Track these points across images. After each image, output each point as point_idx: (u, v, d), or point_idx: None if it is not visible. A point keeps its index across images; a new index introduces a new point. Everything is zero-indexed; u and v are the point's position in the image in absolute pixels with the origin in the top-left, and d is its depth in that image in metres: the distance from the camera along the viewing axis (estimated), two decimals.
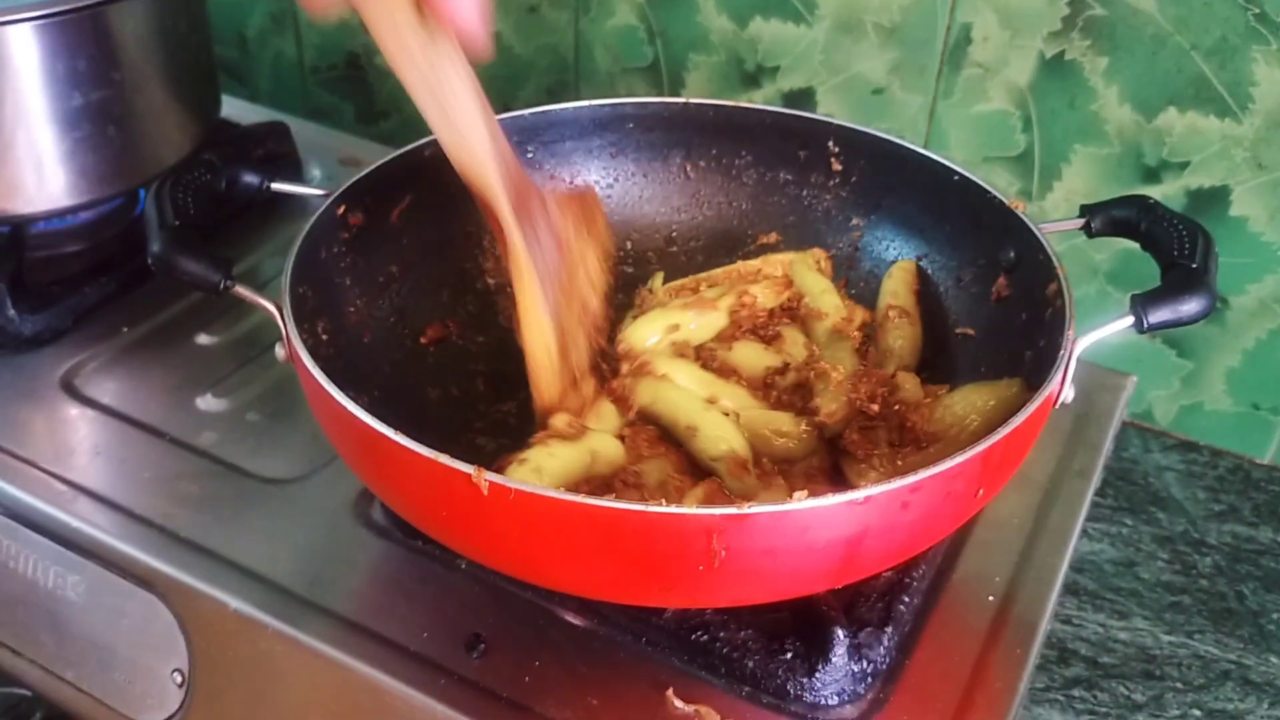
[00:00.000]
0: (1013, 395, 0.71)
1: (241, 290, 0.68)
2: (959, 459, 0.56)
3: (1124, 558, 0.95)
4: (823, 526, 0.55)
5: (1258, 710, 0.84)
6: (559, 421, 0.70)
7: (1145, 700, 0.85)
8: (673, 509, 0.53)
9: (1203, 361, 1.02)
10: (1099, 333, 0.66)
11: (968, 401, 0.72)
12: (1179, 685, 0.86)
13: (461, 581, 0.72)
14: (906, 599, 0.70)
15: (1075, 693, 0.85)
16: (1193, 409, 1.04)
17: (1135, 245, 0.75)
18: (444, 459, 0.56)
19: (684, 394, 0.74)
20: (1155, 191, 0.97)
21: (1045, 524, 0.79)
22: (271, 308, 0.67)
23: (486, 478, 0.55)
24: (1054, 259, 0.72)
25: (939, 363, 0.81)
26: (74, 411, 0.86)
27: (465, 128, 0.68)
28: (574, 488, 0.65)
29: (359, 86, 1.34)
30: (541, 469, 0.65)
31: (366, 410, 0.59)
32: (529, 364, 0.73)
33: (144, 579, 0.74)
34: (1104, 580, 0.93)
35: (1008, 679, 0.68)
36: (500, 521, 0.56)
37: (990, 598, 0.73)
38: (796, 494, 0.54)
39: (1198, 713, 0.84)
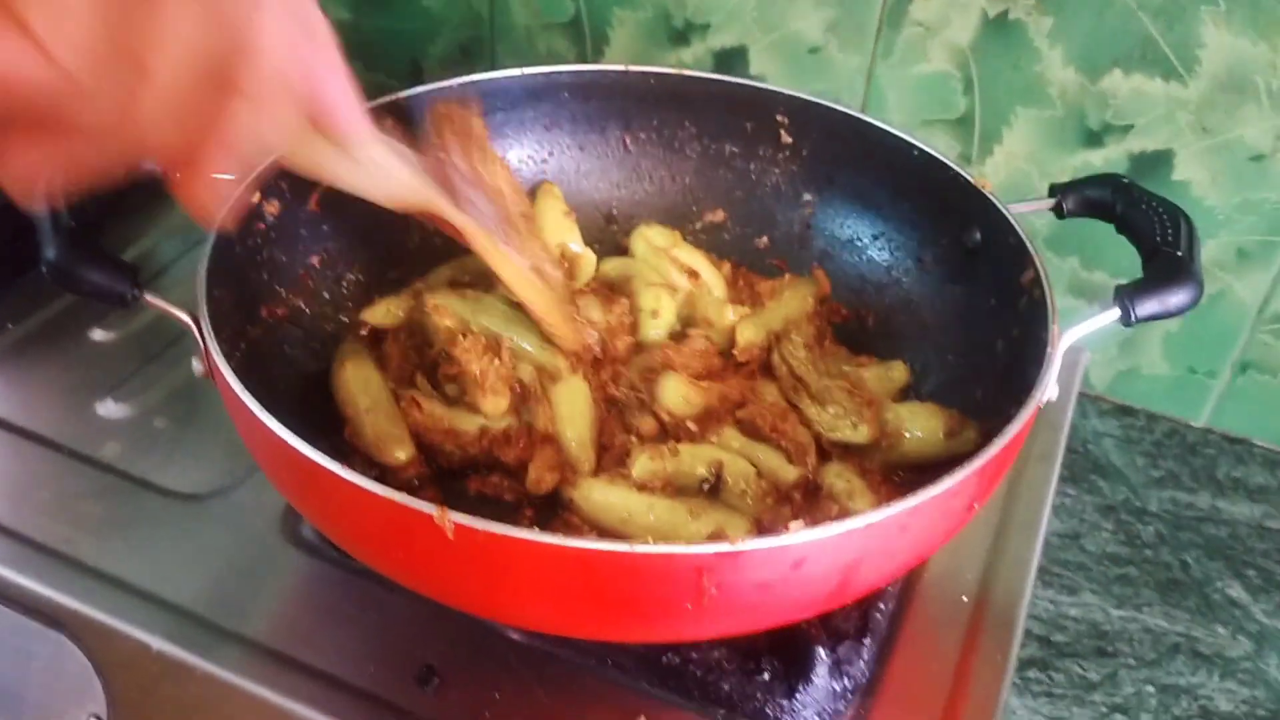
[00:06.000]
0: (967, 439, 0.69)
1: (153, 300, 0.60)
2: (958, 477, 0.53)
3: (1069, 530, 0.94)
4: (819, 557, 0.51)
5: (1209, 683, 0.84)
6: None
7: (1100, 679, 0.84)
8: (660, 548, 0.49)
9: (1141, 326, 1.00)
10: (1082, 328, 0.63)
11: (915, 422, 0.71)
12: (1131, 661, 0.85)
13: (407, 604, 0.67)
14: (883, 605, 0.67)
15: (1031, 674, 0.84)
16: (1129, 373, 1.03)
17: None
18: (402, 498, 0.50)
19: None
20: (1097, 155, 0.95)
21: (1013, 513, 0.77)
22: (188, 319, 0.60)
23: (451, 519, 0.49)
24: (1027, 243, 0.69)
25: (904, 352, 0.78)
26: None
27: (406, 193, 0.66)
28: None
29: None
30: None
31: (285, 422, 0.53)
32: (540, 320, 0.74)
33: (49, 616, 0.67)
34: (1051, 554, 0.92)
35: (989, 683, 0.66)
36: (466, 564, 0.51)
37: (964, 597, 0.71)
38: (793, 525, 0.50)
39: (1151, 689, 0.83)
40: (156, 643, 0.64)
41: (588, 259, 0.83)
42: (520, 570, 0.51)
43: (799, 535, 0.50)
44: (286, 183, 0.74)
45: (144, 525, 0.72)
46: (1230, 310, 0.97)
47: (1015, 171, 0.98)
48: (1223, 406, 1.01)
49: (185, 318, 0.60)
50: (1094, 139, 0.95)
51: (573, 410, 0.71)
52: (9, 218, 0.88)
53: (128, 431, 0.78)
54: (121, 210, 0.94)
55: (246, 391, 0.56)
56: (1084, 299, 1.01)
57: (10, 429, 0.77)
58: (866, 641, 0.65)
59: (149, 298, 0.61)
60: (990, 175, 1.00)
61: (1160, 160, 0.93)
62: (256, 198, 0.71)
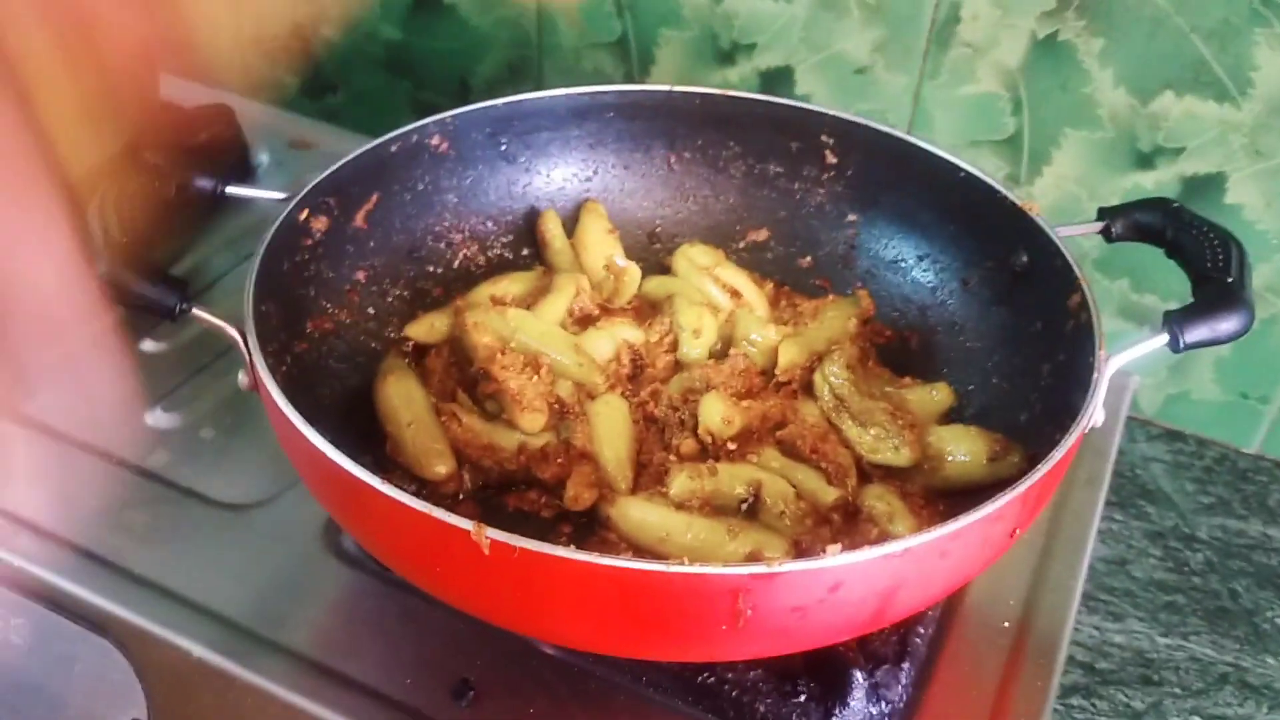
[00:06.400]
0: (1011, 464, 0.68)
1: (201, 313, 0.61)
2: (1000, 502, 0.52)
3: (1116, 555, 0.92)
4: (857, 581, 0.51)
5: (1257, 715, 0.82)
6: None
7: (1145, 708, 0.82)
8: (696, 569, 0.48)
9: (1192, 351, 0.99)
10: (1130, 353, 0.62)
11: (958, 445, 0.70)
12: (1178, 690, 0.83)
13: (445, 618, 0.67)
14: (922, 630, 0.66)
15: (1074, 701, 0.82)
16: (1179, 398, 1.02)
17: None
18: (439, 513, 0.50)
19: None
20: (1148, 178, 0.94)
21: (1057, 539, 0.75)
22: (235, 333, 0.61)
23: (488, 535, 0.49)
24: (1074, 267, 0.68)
25: (948, 374, 0.77)
26: (9, 431, 0.79)
27: None
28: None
29: (303, 59, 1.26)
30: None
31: (328, 437, 0.54)
32: None
33: (94, 622, 0.68)
34: (1097, 580, 0.90)
35: (1030, 711, 0.65)
36: (502, 580, 0.51)
37: (1006, 623, 0.70)
38: (830, 548, 0.50)
39: (1198, 719, 0.82)
40: (198, 650, 0.65)
41: (633, 272, 0.84)
42: (555, 588, 0.51)
43: (837, 558, 0.49)
44: (334, 199, 0.75)
45: (189, 534, 0.73)
46: None
47: (1064, 193, 0.97)
48: (1275, 433, 0.99)
49: (232, 332, 0.61)
50: (1145, 161, 0.94)
51: (611, 428, 0.71)
52: None
53: (175, 441, 0.79)
54: (172, 224, 0.96)
55: (290, 405, 0.56)
56: (1134, 322, 0.99)
57: (63, 438, 0.79)
58: (905, 666, 0.64)
59: (197, 312, 0.62)
60: (1039, 197, 0.99)
61: (1212, 183, 0.92)
62: (305, 214, 0.72)
